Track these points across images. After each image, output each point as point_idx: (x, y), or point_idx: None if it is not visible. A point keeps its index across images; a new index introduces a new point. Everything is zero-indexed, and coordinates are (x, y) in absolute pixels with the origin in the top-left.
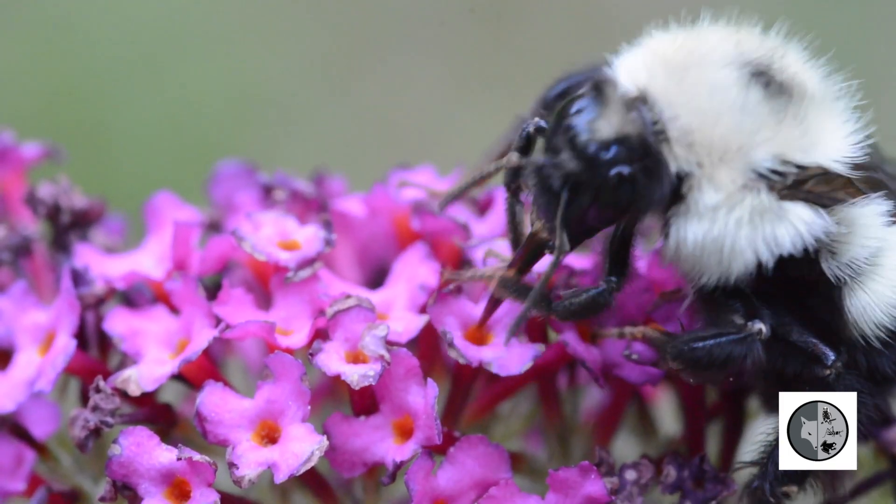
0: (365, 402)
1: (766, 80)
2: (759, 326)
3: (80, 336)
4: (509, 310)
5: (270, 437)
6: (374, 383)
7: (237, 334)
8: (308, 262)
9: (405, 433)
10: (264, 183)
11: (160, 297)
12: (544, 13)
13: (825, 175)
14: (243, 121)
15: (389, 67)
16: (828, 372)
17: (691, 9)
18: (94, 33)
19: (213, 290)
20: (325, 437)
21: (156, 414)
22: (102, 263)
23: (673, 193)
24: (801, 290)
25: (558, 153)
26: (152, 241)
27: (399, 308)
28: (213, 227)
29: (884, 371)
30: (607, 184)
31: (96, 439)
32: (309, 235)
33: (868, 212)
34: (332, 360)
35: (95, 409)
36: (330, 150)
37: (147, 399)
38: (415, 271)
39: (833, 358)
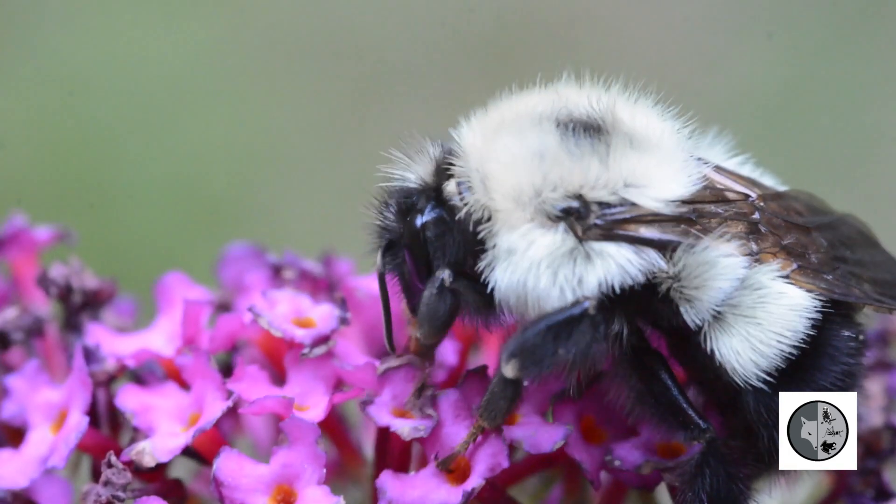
0: (405, 456)
1: (577, 129)
2: (588, 303)
3: (92, 413)
4: (536, 390)
5: (287, 500)
6: (425, 436)
7: (255, 410)
8: (323, 340)
9: (461, 476)
10: (273, 263)
11: (171, 375)
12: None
13: (655, 217)
14: (248, 176)
15: (393, 120)
16: (694, 443)
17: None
18: (100, 91)
19: (222, 370)
20: (341, 498)
21: (167, 489)
22: (113, 342)
23: (476, 241)
24: (678, 340)
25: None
26: (163, 319)
27: None
28: (223, 308)
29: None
30: (413, 231)
31: None
32: (324, 313)
33: (722, 253)
34: (383, 413)
35: (107, 483)
36: (335, 202)
37: (158, 474)
38: None
39: (703, 428)
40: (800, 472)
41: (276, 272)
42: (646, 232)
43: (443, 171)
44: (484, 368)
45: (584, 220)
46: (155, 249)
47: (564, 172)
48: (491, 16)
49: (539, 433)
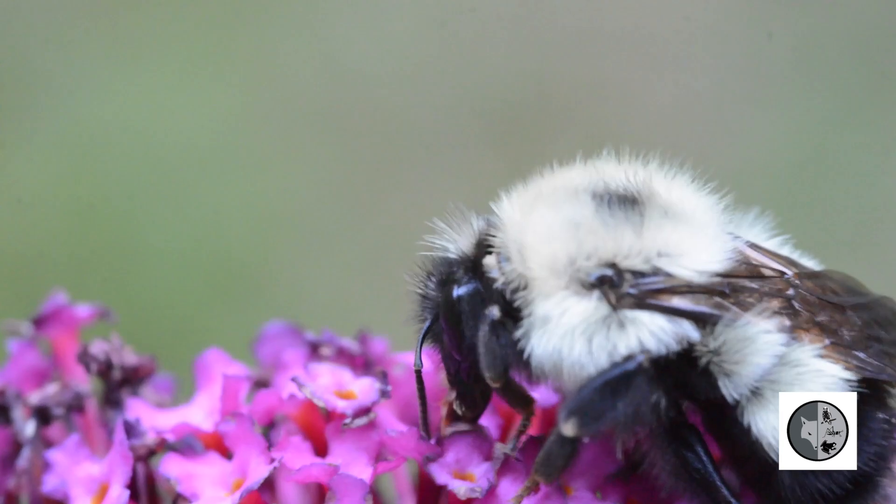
0: None
1: (613, 201)
2: (642, 357)
3: (132, 488)
4: (590, 468)
5: None
6: (480, 497)
7: (300, 477)
8: (364, 412)
9: None
10: (312, 341)
11: (209, 448)
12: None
13: (689, 288)
14: (268, 242)
15: (412, 188)
16: None
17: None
18: (119, 154)
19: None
20: None
21: None
22: (153, 417)
23: (513, 310)
24: (714, 415)
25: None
26: (202, 395)
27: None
28: (261, 384)
29: (815, 488)
30: (449, 302)
31: None
32: (364, 386)
33: (762, 329)
34: (443, 473)
35: None
36: (354, 269)
37: None
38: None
39: None
40: None
41: (314, 349)
42: (678, 302)
43: (483, 244)
44: (544, 438)
45: (618, 288)
46: (173, 315)
47: (599, 241)
48: (509, 84)
49: None
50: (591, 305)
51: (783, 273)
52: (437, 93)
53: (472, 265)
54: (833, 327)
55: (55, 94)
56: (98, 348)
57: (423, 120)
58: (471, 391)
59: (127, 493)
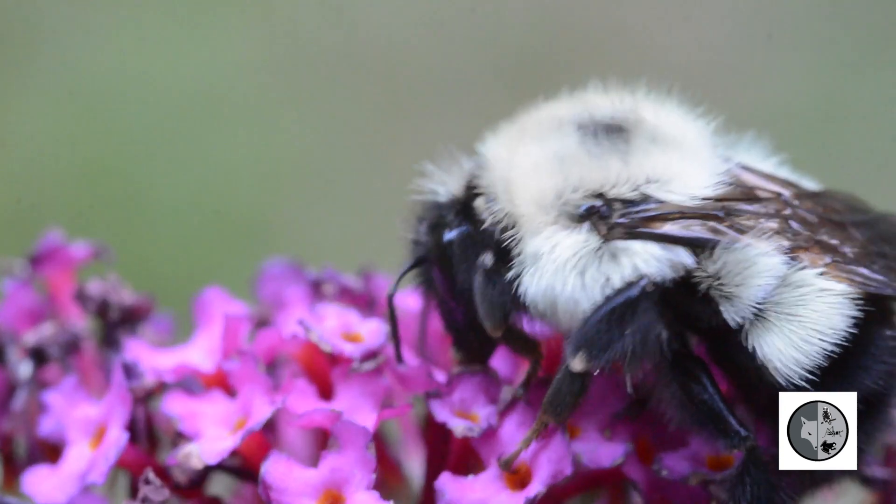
0: (459, 462)
1: (599, 131)
2: (645, 281)
3: (130, 430)
4: (597, 407)
5: None
6: (476, 436)
7: (303, 423)
8: (372, 355)
9: (521, 482)
10: (313, 279)
11: (210, 388)
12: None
13: (681, 213)
14: (277, 192)
15: (424, 135)
16: (734, 451)
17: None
18: (124, 104)
19: None
20: (391, 503)
21: None
22: (152, 357)
23: (503, 252)
24: (718, 343)
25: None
26: (201, 335)
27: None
28: (261, 323)
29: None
30: (440, 247)
31: None
32: (372, 329)
33: (761, 251)
34: (444, 411)
35: (145, 500)
36: (364, 218)
37: (196, 491)
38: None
39: (743, 435)
40: (842, 481)
41: (316, 288)
42: (671, 229)
43: (472, 186)
44: (552, 378)
45: (608, 218)
46: (183, 264)
47: (585, 172)
48: (521, 30)
49: (600, 448)
50: (581, 238)
51: (779, 194)
52: (450, 38)
53: (463, 208)
54: (834, 245)
55: (60, 44)
56: (95, 287)
57: (435, 65)
58: (467, 338)
59: (126, 434)
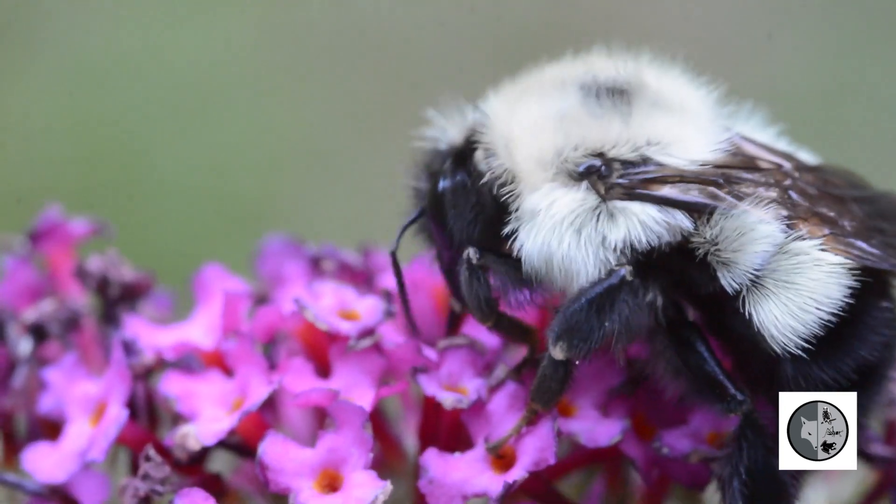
0: (451, 438)
1: (601, 92)
2: (624, 270)
3: (130, 407)
4: (593, 385)
5: (332, 485)
6: (465, 408)
7: (300, 402)
8: (368, 332)
9: (506, 465)
10: (312, 255)
11: (210, 366)
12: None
13: (680, 177)
14: (278, 171)
15: (423, 113)
16: (732, 415)
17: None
18: (127, 84)
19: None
20: (388, 483)
21: (205, 483)
22: (152, 335)
23: (501, 206)
24: (714, 310)
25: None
26: (201, 312)
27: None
28: (261, 300)
29: (820, 379)
30: (434, 196)
31: None
32: (369, 306)
33: (760, 218)
34: (432, 384)
35: (146, 477)
36: (364, 198)
37: (197, 468)
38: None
39: (740, 399)
40: None
41: (315, 264)
42: (669, 192)
43: (472, 139)
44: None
45: (607, 178)
46: (183, 242)
47: (585, 131)
48: (522, 11)
49: (597, 427)
50: (579, 196)
51: (780, 165)
52: (449, 19)
53: (461, 158)
54: (833, 218)
55: (60, 24)
56: (95, 264)
57: (434, 46)
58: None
59: (126, 411)
